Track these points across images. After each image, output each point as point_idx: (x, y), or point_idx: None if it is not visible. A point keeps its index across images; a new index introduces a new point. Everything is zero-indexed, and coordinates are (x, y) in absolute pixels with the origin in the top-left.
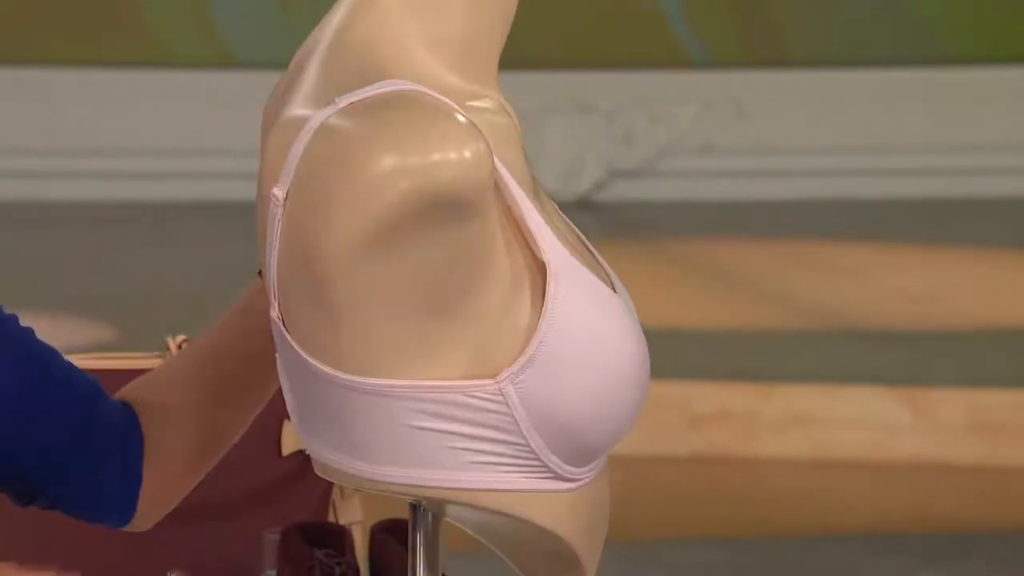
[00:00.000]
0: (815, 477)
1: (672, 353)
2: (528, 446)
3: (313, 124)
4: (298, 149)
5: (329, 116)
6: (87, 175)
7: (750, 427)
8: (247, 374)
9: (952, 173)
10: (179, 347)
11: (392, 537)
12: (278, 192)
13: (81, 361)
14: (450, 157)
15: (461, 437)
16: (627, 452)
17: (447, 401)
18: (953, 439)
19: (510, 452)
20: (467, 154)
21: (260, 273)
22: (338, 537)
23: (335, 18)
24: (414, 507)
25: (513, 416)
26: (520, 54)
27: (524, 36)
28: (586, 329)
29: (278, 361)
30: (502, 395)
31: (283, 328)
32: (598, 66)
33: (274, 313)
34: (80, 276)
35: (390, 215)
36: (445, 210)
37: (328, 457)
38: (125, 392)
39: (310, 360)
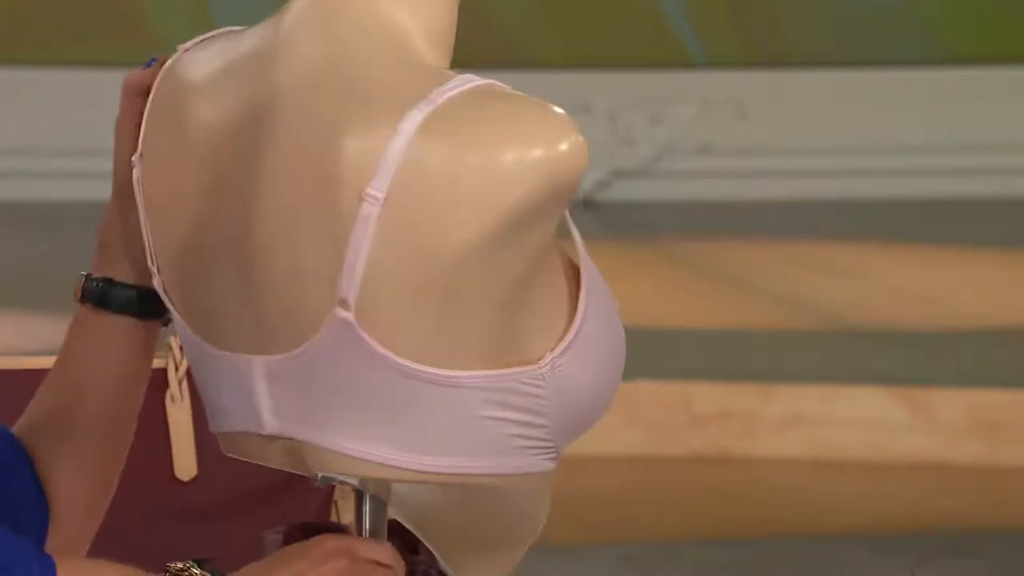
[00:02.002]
0: (815, 477)
1: (673, 353)
2: (550, 428)
3: (412, 122)
4: (397, 147)
5: (428, 112)
6: (87, 175)
7: (750, 427)
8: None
9: (952, 173)
10: (180, 347)
11: (307, 539)
12: (375, 192)
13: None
14: (568, 148)
15: (510, 423)
16: (628, 452)
17: (506, 388)
18: (953, 439)
19: (538, 435)
20: (580, 143)
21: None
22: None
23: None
24: (360, 493)
25: (548, 400)
26: (521, 54)
27: (525, 36)
28: (605, 313)
29: (304, 361)
30: (544, 380)
31: (355, 324)
32: (598, 66)
33: (346, 312)
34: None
35: (518, 208)
36: (559, 201)
37: (362, 450)
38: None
39: (387, 354)
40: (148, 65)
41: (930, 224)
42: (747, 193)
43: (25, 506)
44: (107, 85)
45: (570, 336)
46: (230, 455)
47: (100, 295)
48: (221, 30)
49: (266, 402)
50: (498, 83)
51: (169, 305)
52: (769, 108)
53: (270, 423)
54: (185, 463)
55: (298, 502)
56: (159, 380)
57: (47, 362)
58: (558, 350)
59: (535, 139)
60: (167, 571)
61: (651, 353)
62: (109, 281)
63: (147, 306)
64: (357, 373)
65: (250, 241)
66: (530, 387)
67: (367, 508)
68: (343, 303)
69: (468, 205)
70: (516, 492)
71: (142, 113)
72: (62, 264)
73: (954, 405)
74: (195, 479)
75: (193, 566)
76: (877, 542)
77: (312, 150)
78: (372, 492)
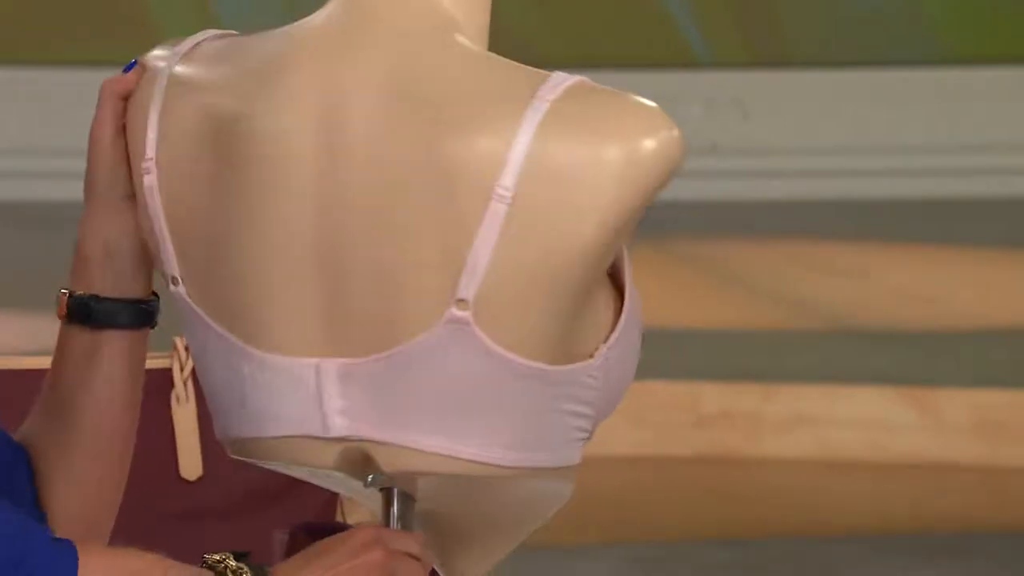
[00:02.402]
0: (820, 477)
1: (677, 353)
2: (595, 420)
3: (532, 120)
4: (522, 145)
5: (545, 110)
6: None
7: (755, 427)
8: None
9: (953, 173)
10: (186, 348)
11: (312, 538)
12: (504, 191)
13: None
14: (678, 135)
15: (574, 416)
16: (634, 452)
17: (577, 382)
18: (957, 439)
19: (587, 426)
20: (679, 131)
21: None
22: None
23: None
24: (388, 491)
25: (599, 392)
26: (525, 54)
27: (529, 36)
28: (635, 305)
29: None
30: (598, 373)
31: (472, 322)
32: (603, 65)
33: (463, 311)
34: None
35: (638, 198)
36: (663, 188)
37: (450, 447)
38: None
39: (500, 351)
40: (128, 69)
41: (931, 224)
42: (750, 193)
43: (24, 504)
44: None
45: (618, 329)
46: (254, 461)
47: (87, 312)
48: (208, 33)
49: (335, 405)
50: (586, 79)
51: (197, 311)
52: (774, 108)
53: (338, 426)
54: (190, 463)
55: (303, 502)
56: (164, 381)
57: (46, 362)
58: (611, 341)
59: (650, 130)
60: (204, 562)
61: (656, 353)
62: (95, 297)
63: (136, 317)
64: (462, 371)
65: (335, 244)
66: (590, 380)
67: (396, 506)
68: (461, 302)
69: (593, 200)
70: (553, 482)
71: (123, 118)
72: (62, 264)
73: (956, 405)
74: (200, 479)
75: (229, 558)
76: (879, 542)
77: (418, 151)
78: (402, 489)
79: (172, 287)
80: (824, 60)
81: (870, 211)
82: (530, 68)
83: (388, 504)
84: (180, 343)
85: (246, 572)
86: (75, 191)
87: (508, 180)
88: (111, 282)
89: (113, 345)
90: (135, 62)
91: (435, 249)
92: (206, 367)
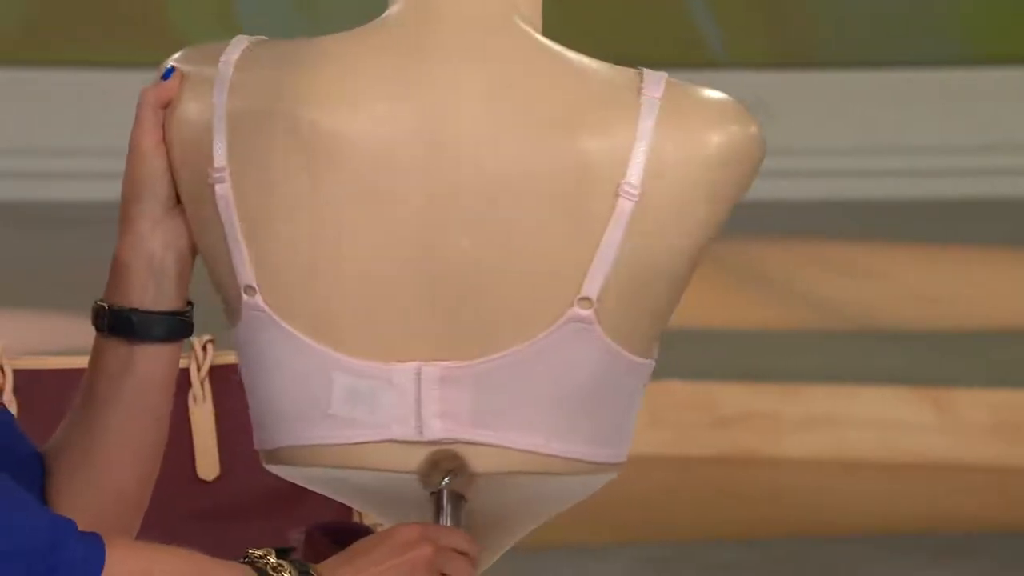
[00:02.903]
0: (837, 477)
1: (695, 353)
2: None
3: (649, 117)
4: (644, 142)
5: (659, 104)
6: (105, 175)
7: (772, 427)
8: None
9: (979, 173)
10: (203, 348)
11: (328, 539)
12: (631, 188)
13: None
14: (759, 127)
15: (635, 412)
16: (655, 452)
17: (646, 378)
18: (974, 439)
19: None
20: None
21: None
22: (363, 537)
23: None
24: (438, 493)
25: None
26: None
27: (549, 34)
28: None
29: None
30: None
31: (595, 321)
32: (623, 65)
33: (586, 310)
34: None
35: (744, 189)
36: None
37: (560, 448)
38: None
39: (619, 349)
40: (166, 76)
41: (949, 224)
42: (773, 193)
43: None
44: (115, 84)
45: None
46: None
47: (128, 326)
48: (242, 39)
49: (434, 408)
50: (667, 75)
51: (276, 319)
52: (795, 108)
53: (435, 428)
54: (208, 463)
55: (320, 502)
56: (181, 381)
57: (44, 362)
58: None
59: (747, 122)
60: (246, 557)
61: (674, 353)
62: (135, 311)
63: (176, 330)
64: (578, 368)
65: (441, 248)
66: (648, 373)
67: (448, 507)
68: (584, 300)
69: (706, 193)
70: (602, 477)
71: (162, 126)
72: (62, 264)
73: (973, 405)
74: (218, 479)
75: (271, 554)
76: (896, 541)
77: (531, 152)
78: (455, 490)
79: (246, 296)
80: (848, 60)
81: (889, 211)
82: (605, 63)
83: (439, 505)
84: (198, 343)
85: (287, 570)
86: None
87: (634, 177)
88: (152, 294)
89: (149, 357)
90: (172, 69)
91: (556, 249)
92: (274, 375)
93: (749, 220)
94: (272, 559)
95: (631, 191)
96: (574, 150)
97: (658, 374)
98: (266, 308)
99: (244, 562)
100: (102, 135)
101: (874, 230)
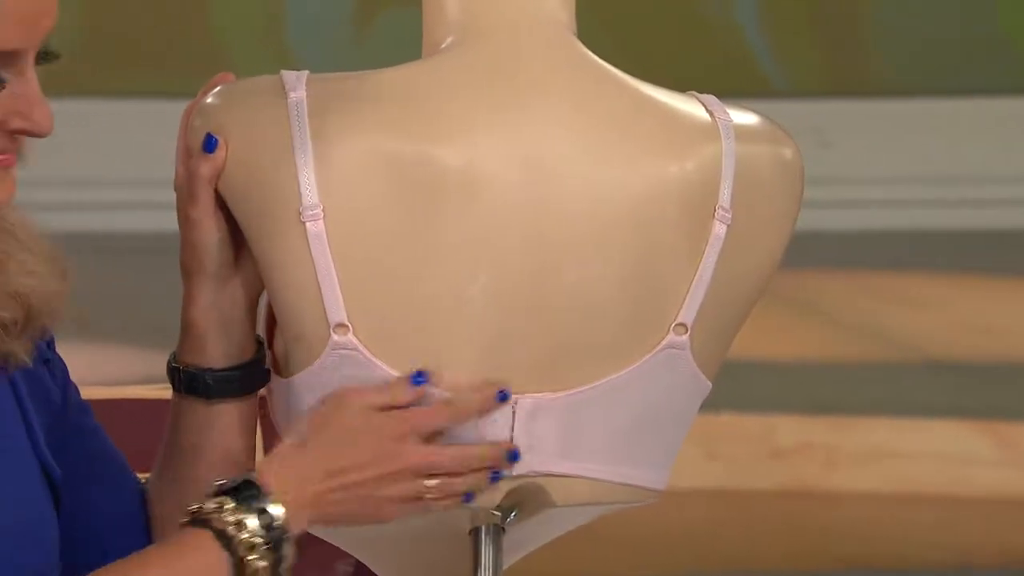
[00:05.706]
0: (895, 510)
1: (752, 385)
2: None
3: (728, 136)
4: (729, 162)
5: (732, 125)
6: (156, 206)
7: (830, 460)
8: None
9: None
10: None
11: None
12: (724, 212)
13: (135, 391)
14: None
15: None
16: (711, 485)
17: None
18: None
19: None
20: None
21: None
22: None
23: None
24: (477, 530)
25: None
26: None
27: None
28: None
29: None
30: None
31: (689, 348)
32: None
33: (681, 336)
34: (132, 306)
35: (799, 206)
36: None
37: (649, 478)
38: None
39: (701, 374)
40: (209, 147)
41: (1012, 255)
42: (828, 223)
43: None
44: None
45: None
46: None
47: (205, 388)
48: (290, 75)
49: (523, 441)
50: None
51: (369, 356)
52: (852, 137)
53: (522, 462)
54: None
55: None
56: None
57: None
58: None
59: (789, 141)
60: (198, 515)
61: (730, 384)
62: (211, 371)
63: (252, 381)
64: (668, 396)
65: (544, 279)
66: None
67: (489, 542)
68: (680, 326)
69: (779, 212)
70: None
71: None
72: (142, 296)
73: None
74: None
75: (226, 502)
76: None
77: (627, 179)
78: (495, 523)
79: (336, 335)
80: (906, 89)
81: (952, 242)
82: (662, 88)
83: (477, 539)
84: None
85: (255, 537)
86: (150, 222)
87: (725, 199)
88: (223, 349)
89: (229, 411)
90: (214, 140)
91: (659, 275)
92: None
93: (805, 251)
94: (230, 516)
95: (724, 214)
96: (670, 176)
97: (714, 405)
98: (359, 345)
99: (203, 527)
100: (163, 165)
101: (931, 260)
